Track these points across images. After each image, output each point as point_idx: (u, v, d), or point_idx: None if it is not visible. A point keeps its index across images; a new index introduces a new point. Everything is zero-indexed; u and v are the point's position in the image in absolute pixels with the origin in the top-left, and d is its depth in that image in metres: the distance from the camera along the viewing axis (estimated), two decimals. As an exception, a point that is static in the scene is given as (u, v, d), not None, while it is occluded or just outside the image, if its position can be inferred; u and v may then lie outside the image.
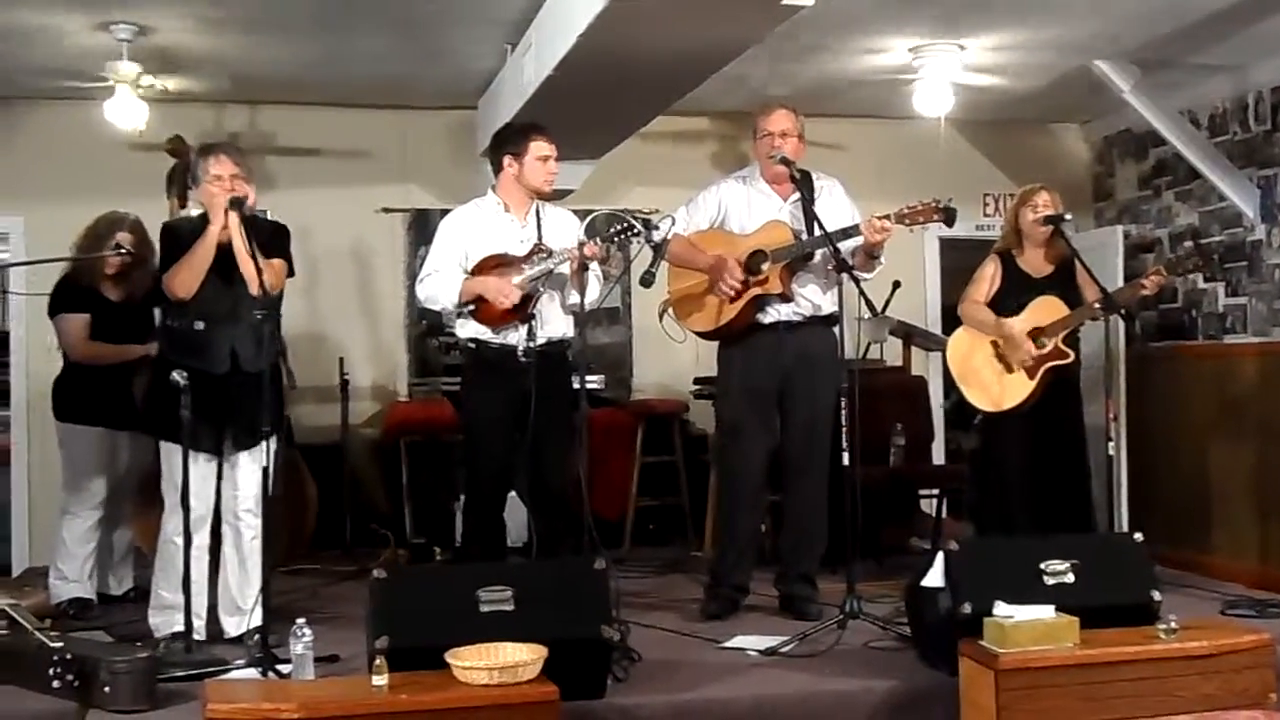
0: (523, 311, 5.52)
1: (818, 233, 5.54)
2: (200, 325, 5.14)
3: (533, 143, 5.65)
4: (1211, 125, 7.83)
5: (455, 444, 7.10)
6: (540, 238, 5.62)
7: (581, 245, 5.46)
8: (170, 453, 5.18)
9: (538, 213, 5.71)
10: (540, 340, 5.55)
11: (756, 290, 5.67)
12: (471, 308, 5.59)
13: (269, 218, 5.56)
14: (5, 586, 5.78)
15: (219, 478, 5.26)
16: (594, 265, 5.54)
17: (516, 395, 5.49)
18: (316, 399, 8.06)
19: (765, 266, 5.65)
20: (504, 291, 5.47)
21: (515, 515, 6.07)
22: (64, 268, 6.15)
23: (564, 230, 5.71)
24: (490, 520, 5.79)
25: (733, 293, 5.64)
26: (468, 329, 5.66)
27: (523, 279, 5.47)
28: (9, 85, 7.57)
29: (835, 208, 5.76)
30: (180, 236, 5.27)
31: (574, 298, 5.48)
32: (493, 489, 5.75)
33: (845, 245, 5.56)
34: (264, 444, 5.09)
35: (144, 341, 5.98)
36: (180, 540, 5.04)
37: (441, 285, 5.61)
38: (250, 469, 5.24)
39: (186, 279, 5.13)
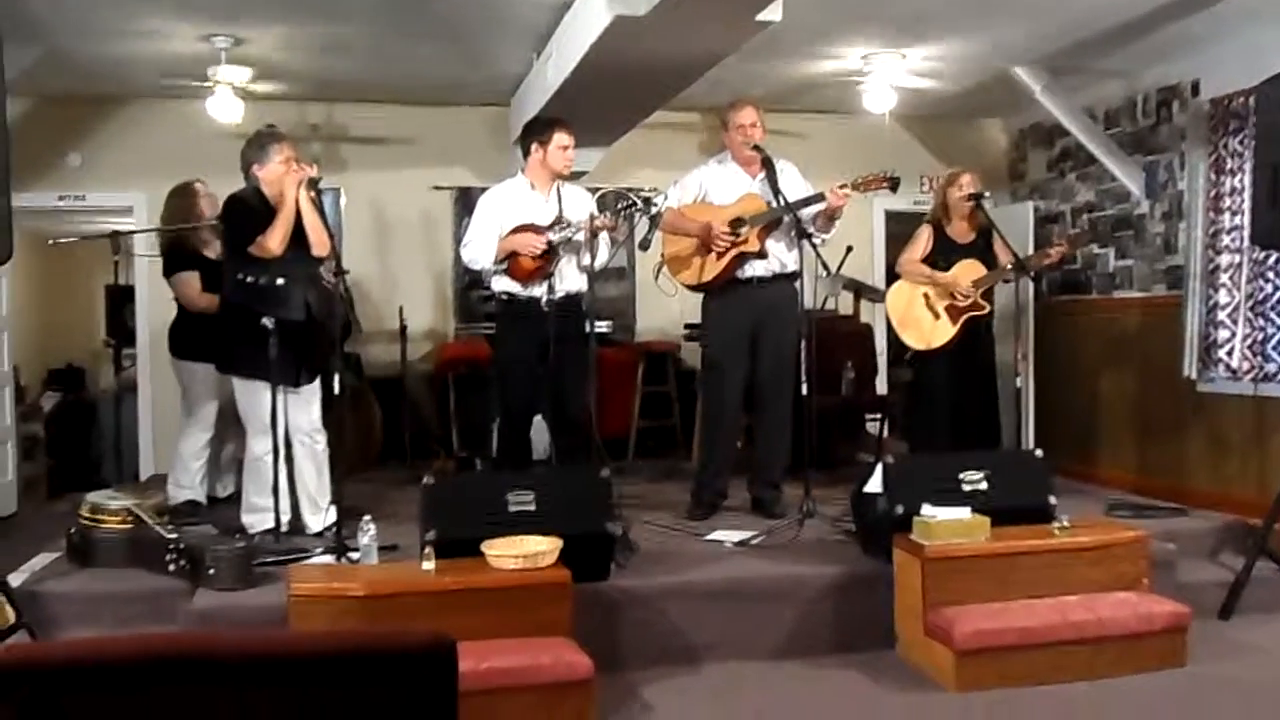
0: (546, 268, 5.51)
1: (785, 201, 5.52)
2: (281, 281, 5.04)
3: (556, 133, 5.62)
4: (1106, 119, 7.75)
5: (493, 376, 7.12)
6: (560, 211, 5.59)
7: (593, 217, 5.44)
8: (255, 388, 5.10)
9: (558, 190, 5.68)
10: (559, 294, 5.54)
11: (739, 248, 5.64)
12: (504, 266, 5.57)
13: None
14: (132, 490, 5.78)
15: (287, 405, 5.16)
16: (603, 233, 5.52)
17: (540, 338, 5.48)
18: (382, 340, 8.04)
19: (744, 230, 5.62)
20: (534, 242, 5.47)
21: (540, 433, 6.06)
22: (168, 236, 6.06)
23: (579, 204, 5.67)
24: (519, 437, 5.79)
25: (725, 245, 5.60)
26: (501, 284, 5.64)
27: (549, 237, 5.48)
28: (132, 86, 7.52)
29: (794, 183, 5.72)
30: (247, 205, 5.17)
31: (587, 259, 5.46)
32: (521, 412, 5.75)
33: (806, 213, 5.54)
34: (333, 376, 5.05)
35: None
36: (270, 458, 5.04)
37: (481, 248, 5.59)
38: (318, 396, 5.24)
39: (281, 239, 5.03)
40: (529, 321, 5.54)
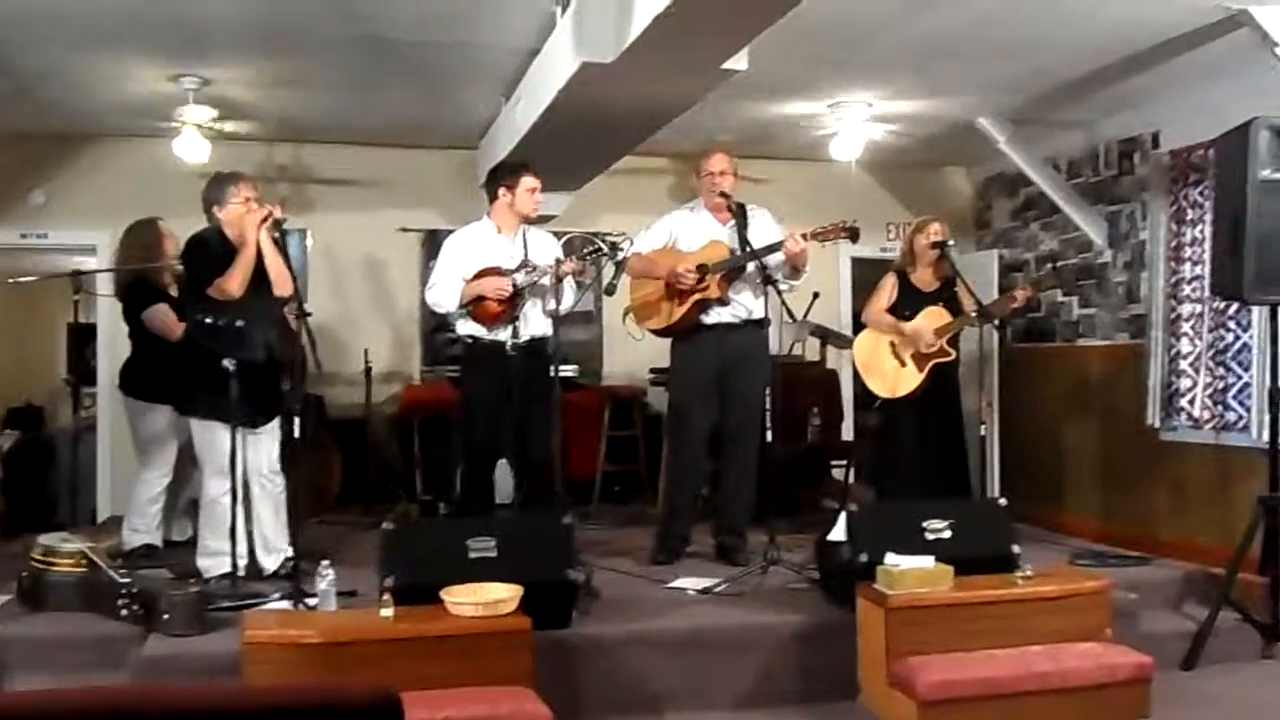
0: (511, 312, 5.48)
1: (748, 250, 5.52)
2: (240, 323, 4.99)
3: (524, 177, 5.62)
4: (1069, 169, 7.82)
5: (457, 419, 7.08)
6: (527, 254, 5.57)
7: (559, 262, 5.42)
8: (213, 429, 5.03)
9: (524, 234, 5.66)
10: (524, 338, 5.51)
11: (700, 295, 5.64)
12: (470, 309, 5.54)
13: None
14: (87, 532, 5.68)
15: (244, 446, 5.05)
16: (569, 277, 5.50)
17: (505, 381, 5.45)
18: (346, 382, 7.97)
19: (707, 276, 5.62)
20: (500, 286, 5.46)
21: (505, 478, 6.00)
22: (132, 272, 5.97)
23: (545, 248, 5.66)
24: (482, 481, 5.72)
25: (689, 283, 5.59)
26: (466, 327, 5.61)
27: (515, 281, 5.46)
28: (98, 124, 7.48)
29: (765, 230, 5.73)
30: (207, 245, 5.14)
31: (552, 303, 5.44)
32: (484, 456, 5.70)
33: (773, 261, 5.54)
34: (293, 418, 5.00)
35: None
36: (227, 500, 4.94)
37: (446, 292, 5.56)
38: (276, 437, 5.18)
39: (240, 281, 5.01)
40: (494, 364, 5.50)
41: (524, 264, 5.51)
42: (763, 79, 5.94)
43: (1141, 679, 4.38)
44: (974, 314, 6.14)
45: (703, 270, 5.61)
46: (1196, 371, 6.62)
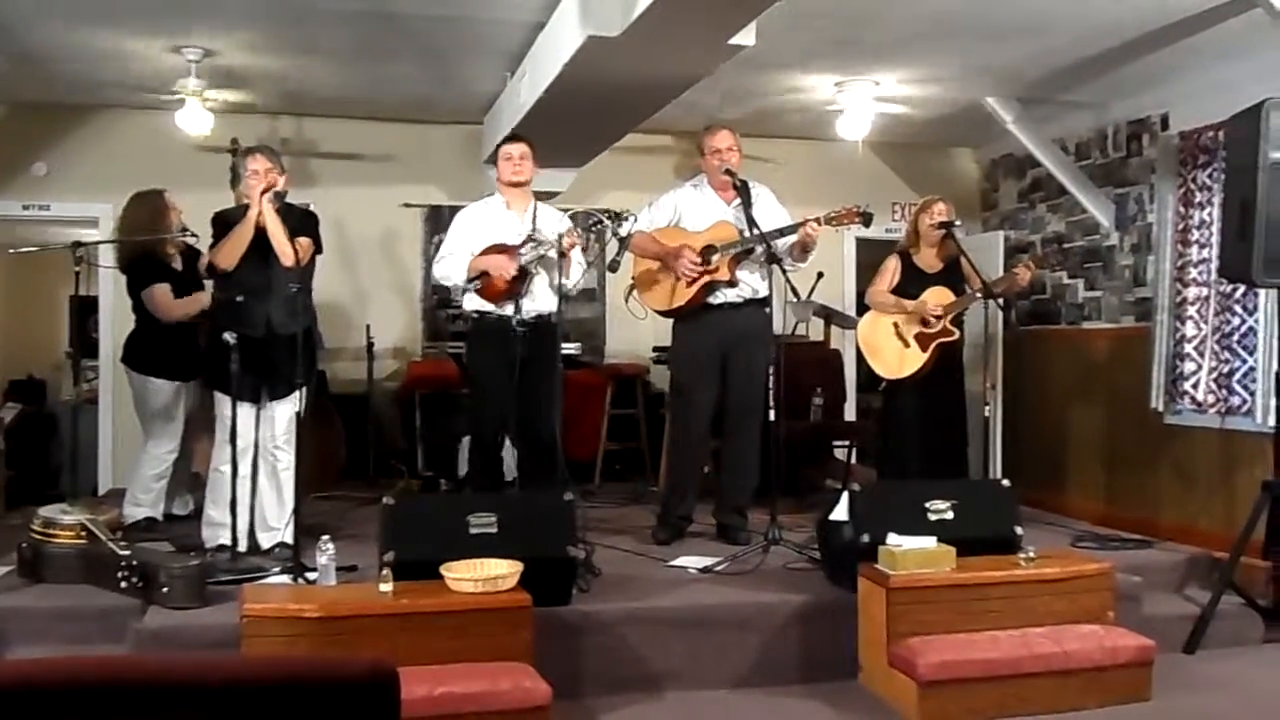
0: (517, 290, 5.45)
1: (758, 231, 5.49)
2: (240, 298, 5.02)
3: (501, 147, 5.63)
4: (1077, 151, 7.78)
5: (459, 395, 7.07)
6: (534, 230, 5.51)
7: (560, 236, 5.36)
8: (220, 399, 5.10)
9: (534, 211, 5.60)
10: (530, 314, 5.47)
11: (709, 277, 5.61)
12: (477, 284, 5.51)
13: (305, 207, 5.40)
14: (87, 505, 5.65)
15: (258, 420, 5.16)
16: (575, 251, 5.45)
17: (511, 358, 5.40)
18: (348, 357, 7.98)
19: (715, 258, 5.59)
20: (504, 266, 5.40)
21: (509, 454, 5.99)
22: (136, 246, 5.93)
23: (554, 225, 5.58)
24: (491, 458, 5.72)
25: (693, 275, 5.56)
26: (472, 302, 5.57)
27: (520, 260, 5.41)
28: (99, 96, 7.43)
29: (769, 210, 5.69)
30: (228, 223, 5.15)
31: (559, 279, 5.40)
32: (493, 432, 5.66)
33: (781, 242, 5.51)
34: (296, 393, 5.02)
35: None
36: (228, 470, 4.98)
37: (453, 265, 5.53)
38: (284, 413, 5.15)
39: (229, 254, 5.03)
40: (500, 341, 5.45)
41: (529, 239, 5.46)
42: (769, 56, 5.91)
43: (1143, 661, 4.38)
44: (977, 292, 6.10)
45: (709, 252, 5.58)
46: (1201, 355, 6.59)
